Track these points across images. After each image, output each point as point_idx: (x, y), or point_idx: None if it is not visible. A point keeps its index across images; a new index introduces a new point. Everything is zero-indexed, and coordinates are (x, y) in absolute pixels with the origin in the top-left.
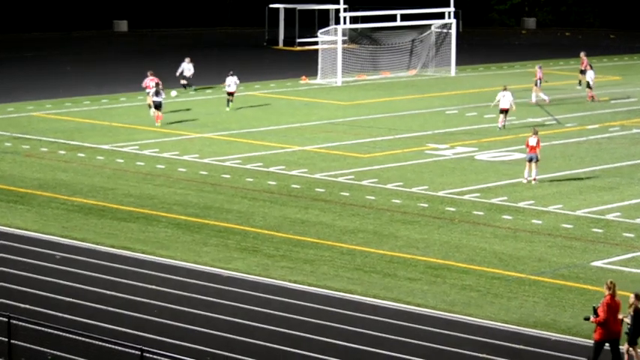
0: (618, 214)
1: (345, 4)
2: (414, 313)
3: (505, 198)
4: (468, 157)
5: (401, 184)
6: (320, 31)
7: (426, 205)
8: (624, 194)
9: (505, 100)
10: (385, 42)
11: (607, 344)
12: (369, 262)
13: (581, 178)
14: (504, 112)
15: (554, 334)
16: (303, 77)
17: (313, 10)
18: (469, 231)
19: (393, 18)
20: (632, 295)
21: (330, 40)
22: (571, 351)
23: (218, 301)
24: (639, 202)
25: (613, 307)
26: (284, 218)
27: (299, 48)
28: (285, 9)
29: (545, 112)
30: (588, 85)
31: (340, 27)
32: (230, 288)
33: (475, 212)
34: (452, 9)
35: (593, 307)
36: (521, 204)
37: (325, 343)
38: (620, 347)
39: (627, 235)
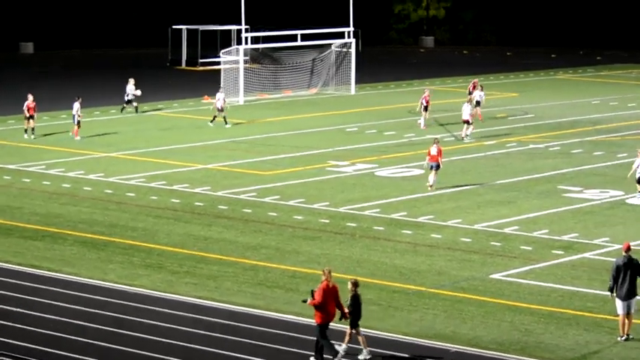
0: (516, 227)
1: (246, 24)
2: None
3: (405, 213)
4: (369, 173)
5: (303, 200)
6: (222, 51)
7: (328, 221)
8: (521, 208)
9: (465, 111)
10: (286, 61)
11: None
12: (272, 278)
13: (480, 193)
14: (465, 123)
15: (454, 346)
16: (206, 97)
17: (215, 31)
18: (370, 246)
19: (293, 38)
20: (350, 282)
21: (232, 60)
22: None
23: (123, 317)
24: (536, 215)
25: (328, 291)
26: (188, 235)
27: (201, 68)
28: (188, 29)
29: (444, 129)
30: (478, 104)
31: (242, 47)
32: (135, 304)
33: (376, 227)
34: (351, 28)
35: (311, 290)
36: (420, 219)
37: (230, 357)
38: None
39: (525, 247)
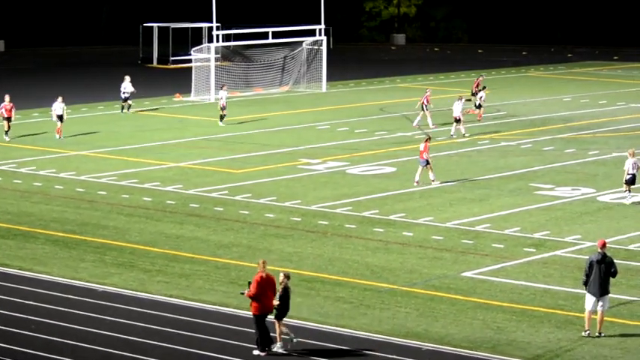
0: (488, 225)
1: (217, 22)
2: (288, 325)
3: (376, 211)
4: (340, 171)
5: (274, 198)
6: (193, 49)
7: (299, 219)
8: (493, 206)
9: (455, 108)
10: (257, 59)
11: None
12: (244, 276)
13: (451, 191)
14: (456, 120)
15: (425, 344)
16: (177, 94)
17: (186, 29)
18: (342, 244)
19: (264, 35)
20: (281, 274)
21: (203, 57)
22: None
23: (96, 316)
24: (508, 213)
25: (263, 283)
26: (159, 234)
27: (173, 66)
28: (159, 27)
29: (415, 127)
30: (479, 106)
31: (213, 45)
32: (107, 303)
33: (347, 225)
34: (322, 26)
35: (248, 282)
36: (392, 216)
37: (203, 356)
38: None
39: (496, 245)
